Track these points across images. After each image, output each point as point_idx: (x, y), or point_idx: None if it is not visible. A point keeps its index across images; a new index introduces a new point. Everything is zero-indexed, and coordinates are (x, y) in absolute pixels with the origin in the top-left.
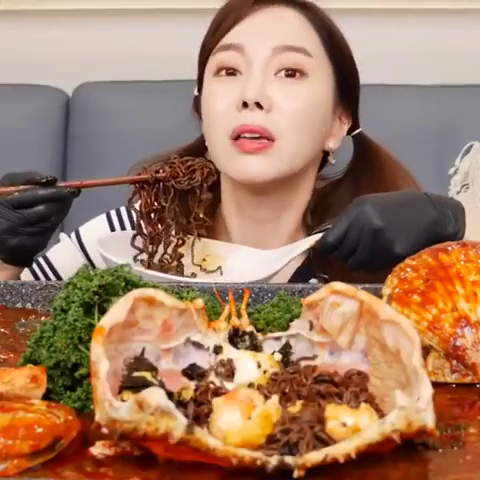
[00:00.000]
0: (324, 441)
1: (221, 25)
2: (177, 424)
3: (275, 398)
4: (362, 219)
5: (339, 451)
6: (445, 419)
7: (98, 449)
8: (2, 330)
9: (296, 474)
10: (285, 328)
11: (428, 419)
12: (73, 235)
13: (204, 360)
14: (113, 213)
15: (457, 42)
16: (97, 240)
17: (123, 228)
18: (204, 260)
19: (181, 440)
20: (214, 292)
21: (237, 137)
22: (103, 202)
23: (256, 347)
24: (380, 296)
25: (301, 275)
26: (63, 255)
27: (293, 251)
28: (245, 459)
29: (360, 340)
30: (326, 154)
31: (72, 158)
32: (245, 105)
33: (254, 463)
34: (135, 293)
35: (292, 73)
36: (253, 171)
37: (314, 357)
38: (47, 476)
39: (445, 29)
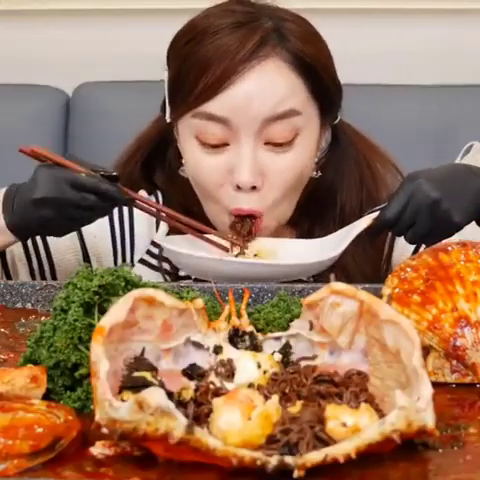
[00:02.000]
0: (324, 441)
1: (204, 78)
2: (177, 424)
3: (275, 398)
4: (419, 193)
5: (339, 451)
6: (445, 419)
7: (98, 449)
8: (2, 330)
9: (296, 474)
10: (285, 328)
11: (428, 419)
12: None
13: (204, 360)
14: (159, 194)
15: (457, 42)
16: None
17: (121, 221)
18: (256, 255)
19: (181, 440)
20: (214, 292)
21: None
22: None
23: (256, 347)
24: (380, 296)
25: None
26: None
27: (350, 233)
28: (245, 459)
29: (360, 340)
30: None
31: (72, 158)
32: (238, 187)
33: (254, 463)
34: (135, 293)
35: (279, 144)
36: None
37: (314, 357)
38: (47, 476)
39: (445, 29)
